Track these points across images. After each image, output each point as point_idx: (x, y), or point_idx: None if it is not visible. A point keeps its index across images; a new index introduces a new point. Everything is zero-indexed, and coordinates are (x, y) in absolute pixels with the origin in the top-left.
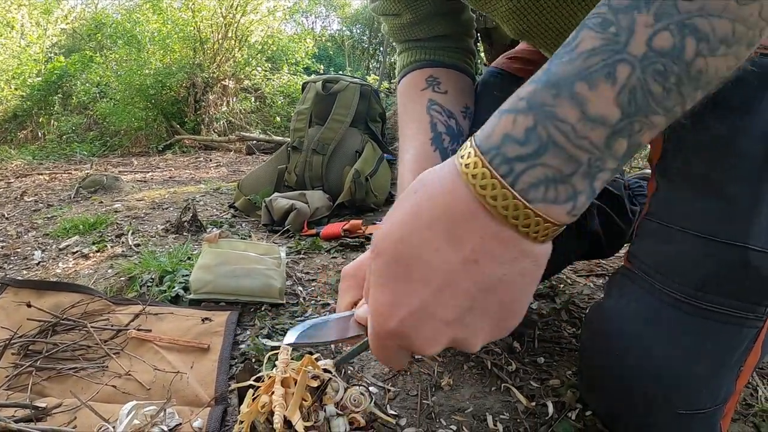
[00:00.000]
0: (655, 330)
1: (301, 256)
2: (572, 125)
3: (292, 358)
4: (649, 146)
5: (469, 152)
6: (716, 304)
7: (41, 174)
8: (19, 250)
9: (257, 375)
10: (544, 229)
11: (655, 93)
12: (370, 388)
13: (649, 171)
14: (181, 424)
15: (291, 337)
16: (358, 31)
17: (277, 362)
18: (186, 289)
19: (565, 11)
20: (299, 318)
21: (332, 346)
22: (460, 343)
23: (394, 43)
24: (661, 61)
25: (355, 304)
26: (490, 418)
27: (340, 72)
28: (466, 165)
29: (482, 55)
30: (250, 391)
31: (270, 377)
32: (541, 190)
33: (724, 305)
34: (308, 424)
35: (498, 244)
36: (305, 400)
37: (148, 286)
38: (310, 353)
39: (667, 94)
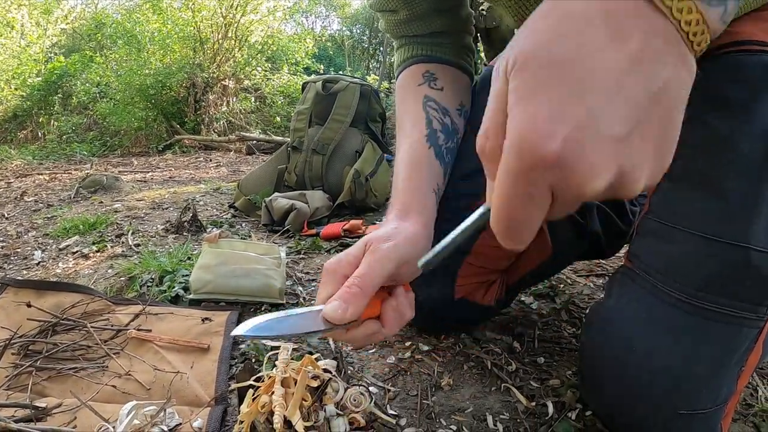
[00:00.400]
0: (656, 330)
1: (301, 256)
2: None
3: (292, 358)
4: None
5: None
6: (717, 304)
7: (41, 174)
8: (19, 250)
9: (257, 375)
10: (701, 32)
11: None
12: (370, 388)
13: None
14: (181, 424)
15: (241, 328)
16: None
17: (277, 362)
18: (186, 289)
19: None
20: None
21: (333, 345)
22: (625, 177)
23: (391, 38)
24: None
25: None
26: (490, 418)
27: (340, 72)
28: None
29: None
30: (250, 391)
31: (270, 377)
32: None
33: (724, 305)
34: (308, 424)
35: (662, 42)
36: (305, 400)
37: (148, 286)
38: (310, 353)
39: None
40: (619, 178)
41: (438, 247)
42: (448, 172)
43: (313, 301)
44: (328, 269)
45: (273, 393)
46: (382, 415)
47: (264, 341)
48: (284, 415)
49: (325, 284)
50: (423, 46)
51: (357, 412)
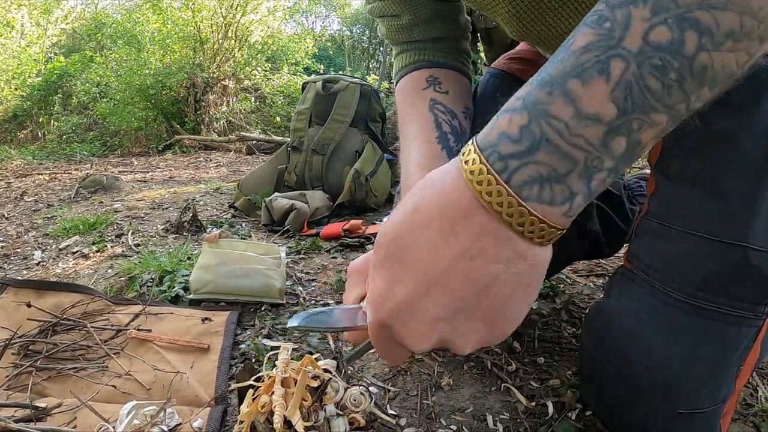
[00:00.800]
0: (655, 330)
1: (301, 256)
2: (566, 123)
3: (292, 358)
4: None
5: (470, 149)
6: (716, 304)
7: (41, 174)
8: (19, 250)
9: (257, 375)
10: (539, 230)
11: (653, 89)
12: (370, 388)
13: (648, 171)
14: (181, 424)
15: (296, 320)
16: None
17: (277, 362)
18: (186, 289)
19: (564, 13)
20: None
21: (333, 345)
22: (449, 344)
23: (391, 44)
24: (658, 56)
25: (363, 299)
26: (490, 418)
27: (340, 72)
28: (465, 162)
29: (482, 55)
30: (250, 391)
31: (270, 377)
32: (535, 189)
33: (724, 305)
34: (308, 424)
35: (493, 242)
36: (305, 400)
37: (148, 286)
38: (310, 353)
39: (668, 91)
40: (444, 344)
41: (355, 351)
42: None
43: (312, 301)
44: (354, 270)
45: (273, 393)
46: (382, 415)
47: (265, 341)
48: (284, 415)
49: (353, 286)
50: (425, 51)
51: (357, 412)
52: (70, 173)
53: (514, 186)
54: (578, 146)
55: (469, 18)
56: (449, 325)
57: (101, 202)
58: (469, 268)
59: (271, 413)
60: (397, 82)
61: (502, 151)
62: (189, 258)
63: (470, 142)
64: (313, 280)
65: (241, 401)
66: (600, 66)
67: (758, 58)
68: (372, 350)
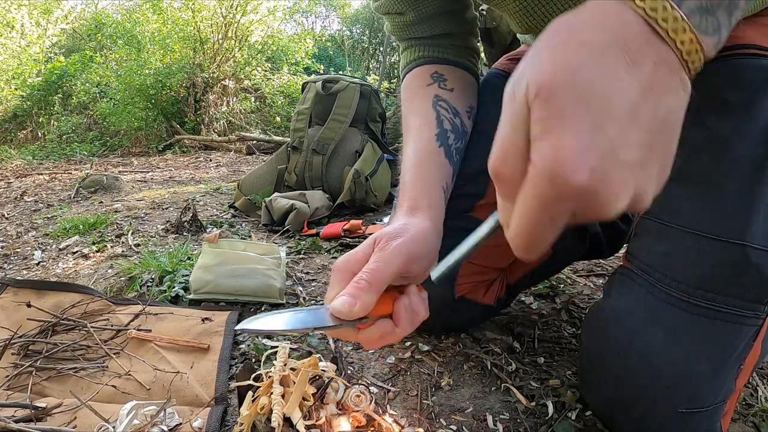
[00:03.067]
0: (655, 329)
1: (301, 256)
2: None
3: (290, 357)
4: None
5: None
6: (716, 303)
7: (41, 174)
8: (19, 250)
9: (256, 374)
10: (698, 60)
11: None
12: (370, 388)
13: None
14: (181, 424)
15: (245, 323)
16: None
17: (275, 361)
18: (186, 289)
19: (572, 6)
20: None
21: (333, 345)
22: (639, 198)
23: (396, 42)
24: None
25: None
26: (490, 418)
27: (340, 72)
28: None
29: (482, 55)
30: (250, 393)
31: (269, 377)
32: (697, 18)
33: (723, 304)
34: (309, 423)
35: (668, 70)
36: (306, 400)
37: (148, 286)
38: (310, 353)
39: None
40: (634, 199)
41: (449, 259)
42: (455, 173)
43: (312, 301)
44: (338, 268)
45: (272, 393)
46: (380, 420)
47: (265, 341)
48: (283, 413)
49: (334, 283)
50: (430, 47)
51: (357, 412)
52: (70, 173)
53: (684, 13)
54: None
55: (477, 15)
56: (643, 169)
57: (101, 202)
58: (653, 98)
59: (271, 411)
60: (402, 78)
61: None
62: (189, 258)
63: None
64: (313, 280)
65: (241, 401)
66: None
67: None
68: (466, 259)
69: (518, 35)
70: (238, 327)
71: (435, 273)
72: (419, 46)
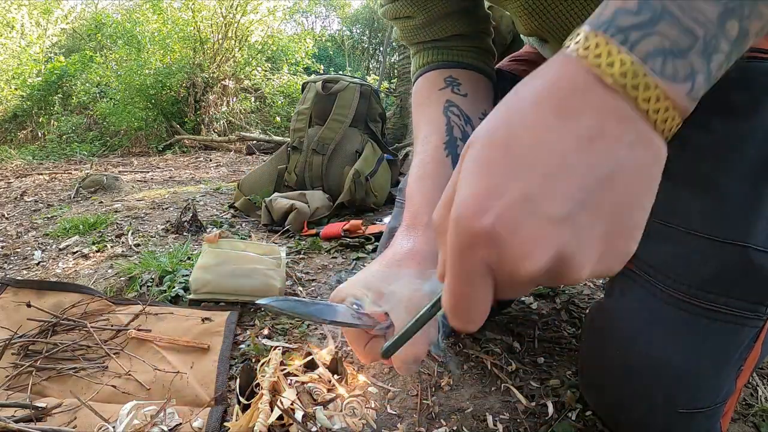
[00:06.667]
0: (656, 329)
1: (301, 256)
2: None
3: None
4: None
5: (579, 36)
6: (717, 304)
7: (41, 174)
8: (19, 250)
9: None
10: (664, 110)
11: None
12: (370, 388)
13: None
14: (181, 424)
15: (267, 299)
16: (358, 31)
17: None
18: (186, 289)
19: (576, 6)
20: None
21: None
22: (566, 259)
23: (407, 45)
24: None
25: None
26: (490, 418)
27: (340, 72)
28: (575, 42)
29: None
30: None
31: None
32: (659, 61)
33: (724, 305)
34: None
35: (616, 121)
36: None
37: (148, 286)
38: (309, 353)
39: None
40: (558, 262)
41: (396, 335)
42: None
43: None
44: (339, 290)
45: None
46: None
47: (265, 341)
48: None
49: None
50: (442, 50)
51: (354, 416)
52: (70, 173)
53: (637, 56)
54: (698, 21)
55: (489, 12)
56: (571, 228)
57: (101, 202)
58: (594, 151)
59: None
60: (414, 82)
61: (621, 24)
62: (189, 258)
63: (574, 33)
64: (313, 280)
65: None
66: None
67: None
68: (412, 336)
69: (522, 36)
70: (259, 301)
71: (383, 348)
72: (431, 50)
